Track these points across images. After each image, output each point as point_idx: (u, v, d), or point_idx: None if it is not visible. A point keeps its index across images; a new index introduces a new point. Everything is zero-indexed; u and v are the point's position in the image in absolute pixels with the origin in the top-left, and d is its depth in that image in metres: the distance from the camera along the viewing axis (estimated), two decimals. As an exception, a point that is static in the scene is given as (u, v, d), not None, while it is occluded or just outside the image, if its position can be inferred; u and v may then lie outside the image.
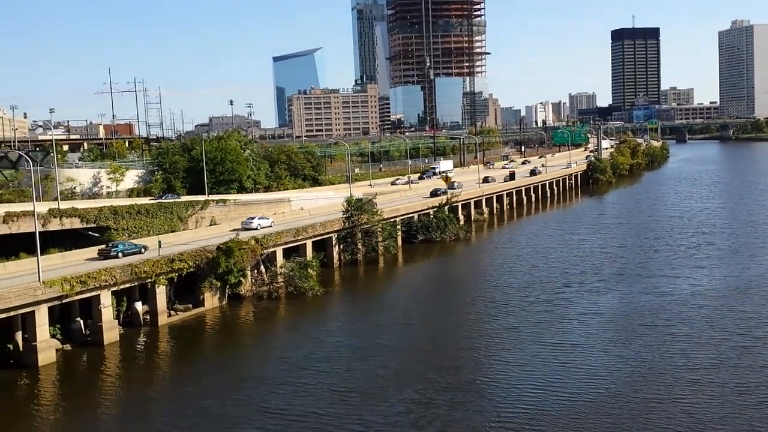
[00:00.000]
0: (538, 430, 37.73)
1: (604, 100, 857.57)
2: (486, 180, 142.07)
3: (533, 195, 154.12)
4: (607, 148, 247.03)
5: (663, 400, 40.96)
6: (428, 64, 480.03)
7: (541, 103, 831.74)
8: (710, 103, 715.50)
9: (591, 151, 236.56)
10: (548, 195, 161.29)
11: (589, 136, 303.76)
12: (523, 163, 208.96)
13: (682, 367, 46.42)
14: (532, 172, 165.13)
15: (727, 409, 39.48)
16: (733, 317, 57.51)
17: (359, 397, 43.53)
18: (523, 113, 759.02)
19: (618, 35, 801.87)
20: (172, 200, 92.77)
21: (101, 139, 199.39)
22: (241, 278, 70.17)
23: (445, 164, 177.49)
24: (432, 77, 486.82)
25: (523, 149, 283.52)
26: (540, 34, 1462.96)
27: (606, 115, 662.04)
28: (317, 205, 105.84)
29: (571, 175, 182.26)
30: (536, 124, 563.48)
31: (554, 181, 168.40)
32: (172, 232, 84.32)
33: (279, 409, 42.25)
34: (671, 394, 41.81)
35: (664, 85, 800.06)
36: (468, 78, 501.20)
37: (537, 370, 46.76)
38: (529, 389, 43.45)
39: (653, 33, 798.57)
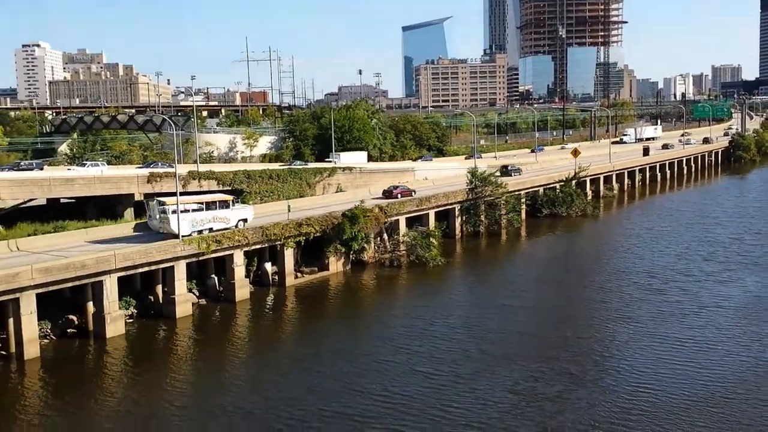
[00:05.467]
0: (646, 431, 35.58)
1: (751, 73, 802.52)
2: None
3: (668, 171, 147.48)
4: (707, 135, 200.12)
5: None
6: (561, 33, 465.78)
7: (681, 75, 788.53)
8: None
9: (636, 139, 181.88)
10: (684, 172, 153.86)
11: (733, 111, 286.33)
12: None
13: None
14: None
15: None
16: None
17: (454, 379, 42.43)
18: (660, 85, 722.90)
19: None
20: (301, 166, 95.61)
21: (237, 106, 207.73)
22: (365, 245, 71.63)
23: (350, 157, 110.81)
24: (564, 47, 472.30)
25: (659, 123, 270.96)
26: (682, 1, 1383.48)
27: (752, 90, 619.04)
28: (441, 176, 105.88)
29: (711, 151, 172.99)
30: (675, 97, 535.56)
31: (691, 157, 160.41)
32: (300, 197, 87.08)
33: (372, 385, 41.90)
34: None
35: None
36: (602, 48, 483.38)
37: (650, 367, 43.72)
38: (640, 387, 40.68)
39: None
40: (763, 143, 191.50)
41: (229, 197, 65.27)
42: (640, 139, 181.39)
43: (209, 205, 61.42)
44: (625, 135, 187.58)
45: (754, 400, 38.68)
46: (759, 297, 58.70)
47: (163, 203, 59.47)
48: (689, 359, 44.85)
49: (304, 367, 45.40)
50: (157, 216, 59.74)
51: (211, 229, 60.30)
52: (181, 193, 59.48)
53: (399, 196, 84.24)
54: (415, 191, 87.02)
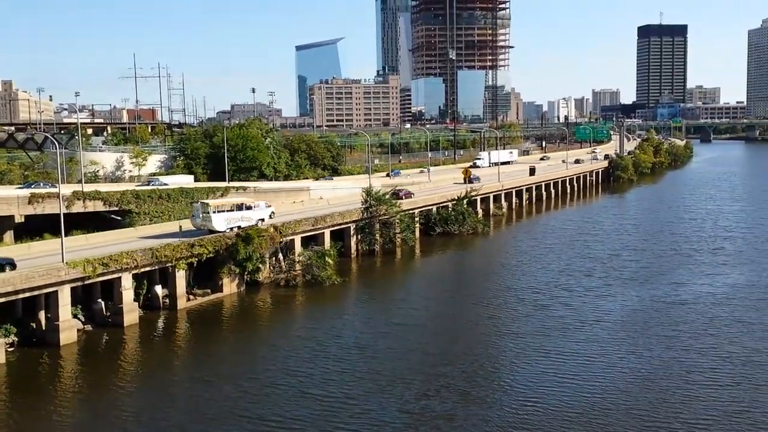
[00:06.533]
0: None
1: (628, 97, 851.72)
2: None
3: (553, 191, 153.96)
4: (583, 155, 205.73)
5: (661, 415, 39.84)
6: (451, 56, 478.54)
7: (564, 98, 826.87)
8: (737, 102, 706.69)
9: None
10: (568, 191, 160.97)
11: (612, 133, 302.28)
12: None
13: (682, 378, 45.42)
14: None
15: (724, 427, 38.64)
16: (735, 326, 56.78)
17: (346, 401, 42.40)
18: (545, 108, 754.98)
19: (645, 32, 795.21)
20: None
21: (125, 123, 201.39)
22: (260, 265, 71.04)
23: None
24: (455, 70, 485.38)
25: (544, 145, 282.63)
26: (565, 28, 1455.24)
27: (630, 113, 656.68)
28: (336, 195, 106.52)
29: (592, 171, 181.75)
30: (558, 119, 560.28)
31: (575, 177, 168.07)
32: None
33: (261, 410, 41.34)
34: (669, 408, 40.86)
35: (690, 84, 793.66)
36: (491, 71, 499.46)
37: (536, 381, 45.31)
38: (527, 400, 42.03)
39: (681, 30, 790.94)
40: (640, 164, 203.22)
41: (252, 200, 77.87)
42: (495, 164, 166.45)
43: (239, 207, 72.99)
44: (479, 159, 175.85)
45: (632, 409, 40.79)
46: (635, 311, 61.86)
47: (206, 204, 70.88)
48: (572, 372, 46.77)
49: (193, 393, 44.56)
50: (200, 215, 70.36)
51: (239, 227, 71.30)
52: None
53: (403, 197, 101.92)
54: (413, 193, 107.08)
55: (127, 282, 59.30)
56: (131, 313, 59.19)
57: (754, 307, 61.73)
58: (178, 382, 47.55)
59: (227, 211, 71.39)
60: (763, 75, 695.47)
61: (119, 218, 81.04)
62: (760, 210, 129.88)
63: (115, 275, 58.52)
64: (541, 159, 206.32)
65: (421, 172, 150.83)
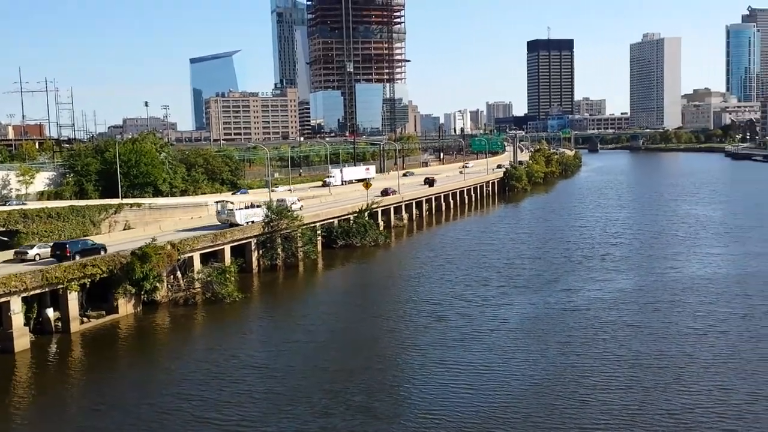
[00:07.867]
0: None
1: (521, 109, 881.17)
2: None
3: (452, 201, 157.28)
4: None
5: (556, 421, 41.19)
6: (348, 69, 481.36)
7: (460, 111, 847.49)
8: (621, 114, 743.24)
9: None
10: (466, 202, 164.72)
11: (506, 144, 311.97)
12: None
13: (575, 382, 47.05)
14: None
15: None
16: (624, 330, 59.19)
17: (241, 423, 41.69)
18: (442, 120, 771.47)
19: (534, 46, 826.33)
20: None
21: (10, 140, 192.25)
22: (157, 284, 69.27)
23: None
24: (352, 83, 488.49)
25: (441, 156, 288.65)
26: (459, 43, 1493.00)
27: (522, 124, 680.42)
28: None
29: (488, 182, 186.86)
30: (455, 131, 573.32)
31: (472, 188, 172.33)
32: (84, 236, 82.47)
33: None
34: (564, 413, 42.24)
35: (578, 96, 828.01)
36: (388, 84, 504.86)
37: (437, 392, 45.78)
38: (428, 413, 42.36)
39: (567, 44, 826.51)
40: (533, 174, 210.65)
41: (258, 201, 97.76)
42: (350, 181, 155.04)
43: (251, 206, 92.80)
44: (330, 177, 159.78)
45: (528, 416, 42.06)
46: (530, 318, 63.70)
47: (231, 203, 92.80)
48: (471, 382, 47.62)
49: (83, 423, 43.05)
50: (225, 212, 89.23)
51: (253, 222, 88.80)
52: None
53: (390, 194, 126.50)
54: (396, 191, 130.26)
55: (16, 306, 56.57)
56: (22, 338, 56.51)
57: (642, 311, 64.81)
58: (68, 410, 45.68)
59: (245, 208, 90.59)
60: (645, 87, 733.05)
61: (6, 239, 77.30)
62: (644, 216, 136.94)
63: (4, 299, 55.76)
64: (404, 175, 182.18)
65: (273, 191, 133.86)
